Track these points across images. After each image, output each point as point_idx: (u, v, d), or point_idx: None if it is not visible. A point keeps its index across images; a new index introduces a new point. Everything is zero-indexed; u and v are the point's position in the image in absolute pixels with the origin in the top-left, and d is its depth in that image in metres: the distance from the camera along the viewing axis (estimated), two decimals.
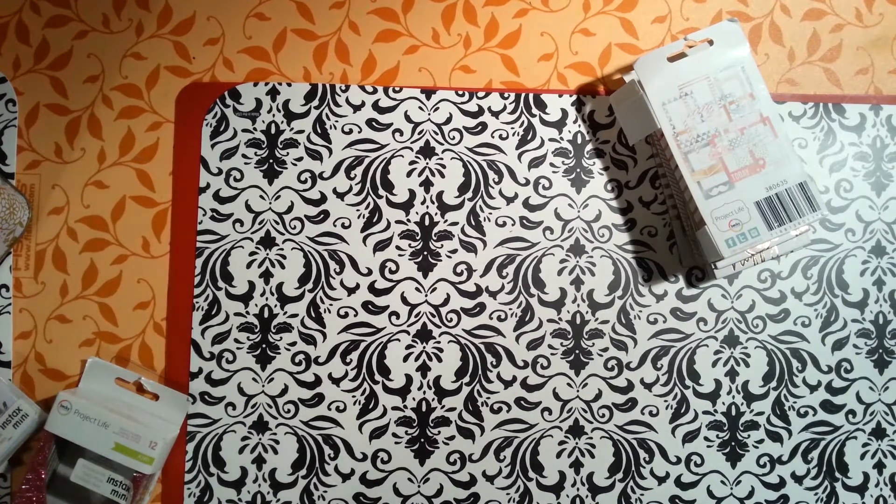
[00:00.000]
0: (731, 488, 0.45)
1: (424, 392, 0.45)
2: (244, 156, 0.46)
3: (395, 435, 0.45)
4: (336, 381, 0.45)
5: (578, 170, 0.46)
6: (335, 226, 0.46)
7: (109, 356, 0.46)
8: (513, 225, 0.46)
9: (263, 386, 0.45)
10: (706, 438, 0.45)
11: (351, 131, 0.46)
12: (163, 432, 0.43)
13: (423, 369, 0.45)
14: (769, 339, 0.46)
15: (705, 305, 0.46)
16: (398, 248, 0.46)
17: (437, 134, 0.46)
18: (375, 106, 0.46)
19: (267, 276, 0.46)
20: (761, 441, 0.45)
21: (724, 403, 0.45)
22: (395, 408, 0.45)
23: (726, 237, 0.40)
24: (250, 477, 0.45)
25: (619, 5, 0.47)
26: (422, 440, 0.45)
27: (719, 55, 0.41)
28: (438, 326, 0.45)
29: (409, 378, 0.45)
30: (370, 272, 0.46)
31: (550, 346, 0.45)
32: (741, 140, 0.40)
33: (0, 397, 0.44)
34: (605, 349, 0.45)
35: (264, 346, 0.45)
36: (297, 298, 0.45)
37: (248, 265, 0.46)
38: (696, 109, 0.40)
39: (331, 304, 0.45)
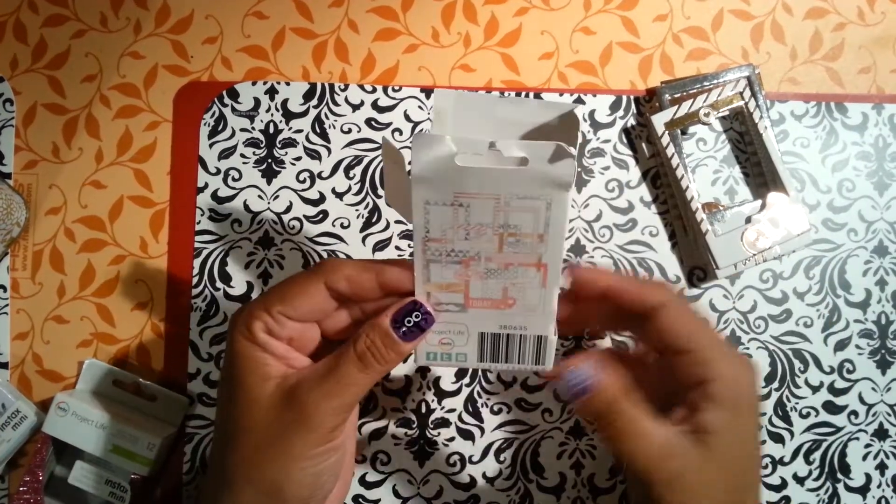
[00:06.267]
0: None
1: (424, 393, 0.45)
2: (242, 155, 0.46)
3: (394, 436, 0.45)
4: None
5: (579, 169, 0.46)
6: (334, 226, 0.46)
7: (107, 357, 0.46)
8: None
9: None
10: None
11: (350, 130, 0.46)
12: (161, 434, 0.42)
13: (423, 370, 0.45)
14: (771, 339, 0.46)
15: (707, 306, 0.45)
16: (397, 248, 0.46)
17: None
18: (375, 105, 0.46)
19: (265, 276, 0.45)
20: (763, 442, 0.45)
21: None
22: (394, 409, 0.45)
23: (429, 349, 0.33)
24: None
25: (620, 4, 0.47)
26: (421, 441, 0.45)
27: (528, 180, 0.29)
28: None
29: (408, 379, 0.45)
30: None
31: None
32: (499, 273, 0.31)
33: None
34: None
35: None
36: None
37: (247, 265, 0.45)
38: (464, 225, 0.30)
39: None
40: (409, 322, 0.31)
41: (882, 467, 0.45)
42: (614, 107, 0.46)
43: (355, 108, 0.46)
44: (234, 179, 0.46)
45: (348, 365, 0.31)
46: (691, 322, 0.33)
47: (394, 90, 0.46)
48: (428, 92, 0.46)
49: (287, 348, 0.32)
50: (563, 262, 0.33)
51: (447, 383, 0.45)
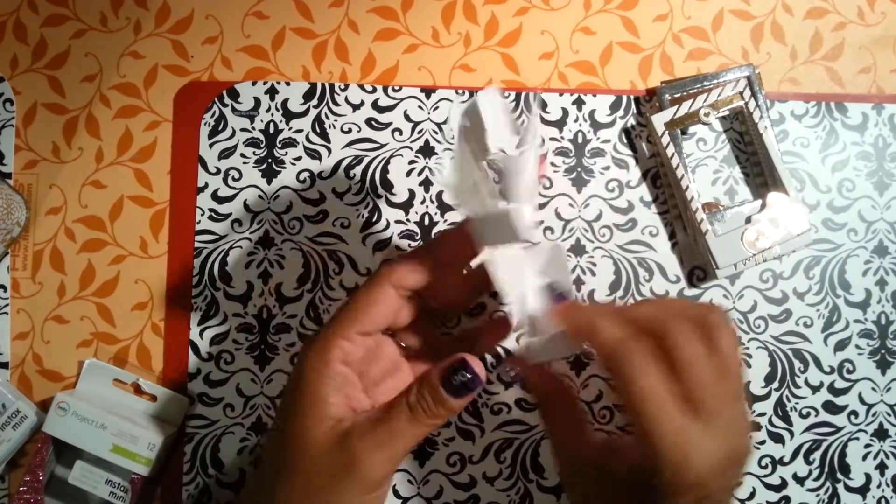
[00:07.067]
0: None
1: None
2: (242, 155, 0.46)
3: None
4: None
5: (579, 169, 0.46)
6: (334, 226, 0.46)
7: (107, 357, 0.46)
8: None
9: (262, 387, 0.45)
10: None
11: (350, 130, 0.46)
12: (161, 434, 0.42)
13: None
14: (771, 339, 0.46)
15: None
16: (398, 248, 0.46)
17: (436, 133, 0.46)
18: (375, 105, 0.46)
19: (265, 276, 0.45)
20: (763, 442, 0.45)
21: None
22: None
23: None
24: (249, 478, 0.45)
25: (620, 3, 0.47)
26: (421, 441, 0.45)
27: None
28: (438, 327, 0.45)
29: None
30: (369, 272, 0.45)
31: None
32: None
33: None
34: None
35: (263, 346, 0.45)
36: (296, 299, 0.45)
37: (247, 265, 0.45)
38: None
39: (330, 305, 0.45)
40: (456, 381, 0.32)
41: (882, 467, 0.45)
42: (614, 107, 0.46)
43: (355, 107, 0.46)
44: (234, 179, 0.46)
45: (399, 417, 0.31)
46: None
47: (394, 90, 0.46)
48: (428, 92, 0.46)
49: (355, 383, 0.33)
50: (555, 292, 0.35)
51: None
